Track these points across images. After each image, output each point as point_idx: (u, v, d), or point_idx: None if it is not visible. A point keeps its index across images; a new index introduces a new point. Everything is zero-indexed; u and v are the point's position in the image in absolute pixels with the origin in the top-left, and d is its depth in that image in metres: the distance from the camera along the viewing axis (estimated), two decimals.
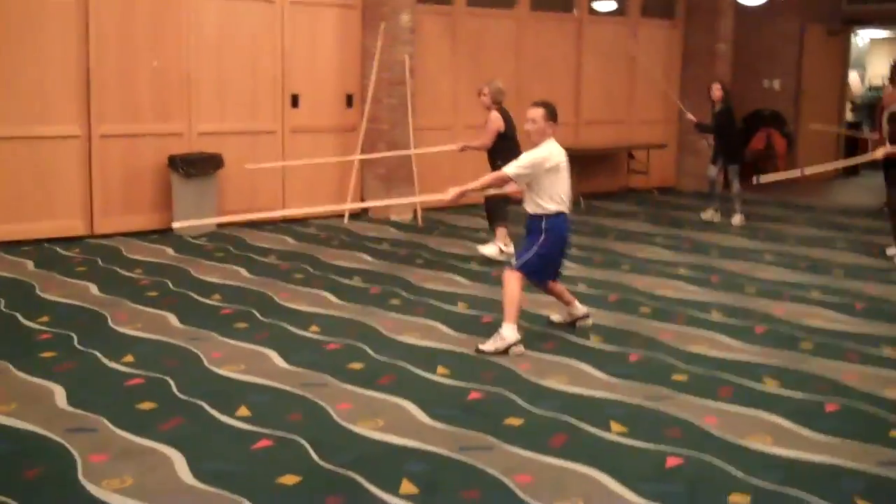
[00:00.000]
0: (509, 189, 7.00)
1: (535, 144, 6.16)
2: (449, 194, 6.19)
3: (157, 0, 9.83)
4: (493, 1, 12.53)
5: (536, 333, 6.47)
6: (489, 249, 8.83)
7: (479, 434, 4.67)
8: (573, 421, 4.87)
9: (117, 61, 9.60)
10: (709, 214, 11.66)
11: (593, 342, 6.31)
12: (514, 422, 4.85)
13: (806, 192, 14.82)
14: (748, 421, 4.91)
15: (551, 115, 6.15)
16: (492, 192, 8.53)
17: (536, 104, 6.21)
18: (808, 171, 9.59)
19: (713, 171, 11.68)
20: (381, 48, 11.08)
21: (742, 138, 11.56)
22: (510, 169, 6.10)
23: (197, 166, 9.70)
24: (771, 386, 5.46)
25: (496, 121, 8.62)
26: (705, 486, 4.13)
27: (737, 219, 11.38)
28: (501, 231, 8.87)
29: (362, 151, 11.23)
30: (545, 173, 6.06)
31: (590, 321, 6.60)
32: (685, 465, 4.35)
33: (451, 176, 11.91)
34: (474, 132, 10.99)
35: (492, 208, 8.93)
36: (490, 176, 6.48)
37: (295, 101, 10.87)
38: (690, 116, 11.74)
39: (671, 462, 4.37)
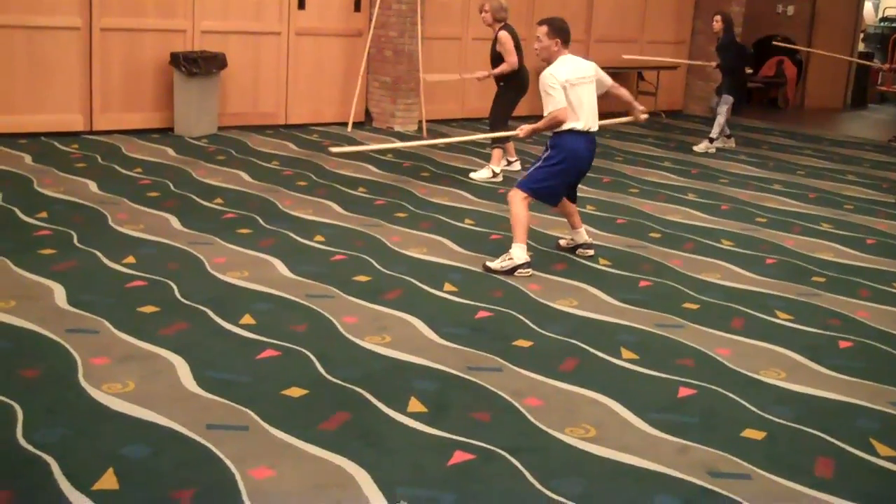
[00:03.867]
0: None
1: (545, 62, 5.94)
2: (521, 131, 6.24)
3: None
4: None
5: (545, 254, 6.36)
6: (481, 174, 8.65)
7: (488, 355, 4.58)
8: (583, 345, 4.78)
9: None
10: (719, 143, 11.42)
11: (602, 266, 6.20)
12: (524, 343, 4.76)
13: (814, 123, 14.63)
14: (761, 354, 4.83)
15: (556, 31, 5.87)
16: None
17: (542, 21, 5.97)
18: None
19: (715, 100, 11.46)
20: None
21: (743, 73, 11.24)
22: (553, 105, 5.81)
23: (200, 65, 9.45)
24: (783, 319, 5.38)
25: (508, 39, 8.33)
26: (719, 418, 4.05)
27: (702, 145, 11.15)
28: (497, 154, 8.67)
29: (368, 57, 10.97)
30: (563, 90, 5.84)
31: (591, 252, 6.40)
32: (698, 395, 4.27)
33: (458, 88, 11.74)
34: (482, 45, 10.71)
35: (493, 128, 8.66)
36: (548, 117, 5.96)
37: (301, 2, 10.56)
38: (711, 64, 11.48)
39: (683, 392, 4.30)
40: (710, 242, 6.94)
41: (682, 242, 6.90)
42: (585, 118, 5.92)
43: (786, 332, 5.17)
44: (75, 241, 5.94)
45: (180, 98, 9.63)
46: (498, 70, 8.42)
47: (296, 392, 4.05)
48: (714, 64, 11.45)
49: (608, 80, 6.23)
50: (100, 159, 8.34)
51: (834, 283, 6.15)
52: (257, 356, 4.40)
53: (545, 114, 5.88)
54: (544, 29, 5.90)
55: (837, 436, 3.94)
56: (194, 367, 4.22)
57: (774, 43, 14.53)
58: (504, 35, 8.32)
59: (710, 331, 5.11)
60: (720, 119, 11.10)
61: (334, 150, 6.87)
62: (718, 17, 11.00)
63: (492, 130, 8.72)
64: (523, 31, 10.29)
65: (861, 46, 18.31)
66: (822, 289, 6.00)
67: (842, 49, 16.43)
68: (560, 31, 5.90)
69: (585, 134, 5.95)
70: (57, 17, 9.04)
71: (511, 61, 8.29)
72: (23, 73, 8.96)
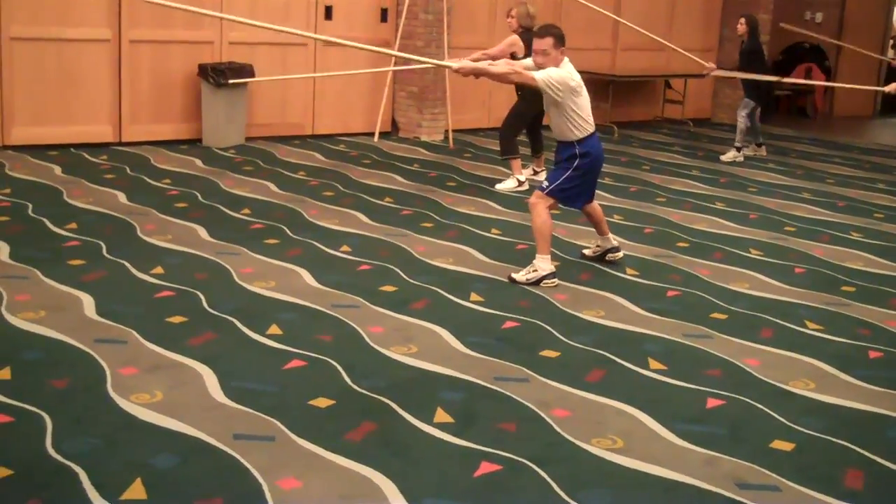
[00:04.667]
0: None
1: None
2: (458, 64, 5.99)
3: None
4: None
5: (571, 264, 6.35)
6: (506, 185, 8.64)
7: (515, 365, 4.57)
8: (610, 356, 4.76)
9: None
10: (749, 151, 11.37)
11: (629, 275, 6.18)
12: (551, 354, 4.75)
13: (843, 130, 14.52)
14: (790, 364, 4.79)
15: (560, 41, 5.78)
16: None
17: (542, 33, 5.81)
18: None
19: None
20: None
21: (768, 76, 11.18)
22: (540, 75, 5.71)
23: (228, 76, 9.50)
24: (813, 329, 5.33)
25: (513, 43, 8.33)
26: (748, 429, 4.02)
27: (729, 154, 11.09)
28: (516, 163, 8.66)
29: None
30: (571, 94, 5.77)
31: (620, 255, 6.41)
32: (726, 406, 4.24)
33: (485, 96, 11.76)
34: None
35: (503, 138, 8.69)
36: (511, 68, 5.90)
37: (328, 12, 10.61)
38: (709, 66, 11.35)
39: (712, 403, 4.27)
40: (739, 252, 6.90)
41: (710, 252, 6.86)
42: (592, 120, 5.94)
43: (815, 343, 5.12)
44: (104, 251, 5.98)
45: (208, 109, 9.69)
46: (475, 55, 8.43)
47: (322, 402, 4.05)
48: (709, 67, 11.27)
49: None
50: (128, 170, 8.41)
51: (864, 292, 6.09)
52: (284, 366, 4.41)
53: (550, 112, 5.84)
54: (549, 41, 5.74)
55: (868, 447, 3.90)
56: (221, 377, 4.24)
57: (782, 25, 14.05)
58: (513, 38, 8.35)
59: (739, 341, 5.07)
60: (740, 124, 11.04)
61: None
62: (743, 21, 10.94)
63: (502, 140, 8.72)
64: None
65: (890, 53, 18.15)
66: (852, 298, 5.95)
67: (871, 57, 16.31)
68: (563, 40, 5.82)
69: (597, 135, 5.97)
70: (87, 29, 9.13)
71: (492, 51, 8.40)
72: (53, 85, 9.05)
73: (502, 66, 5.92)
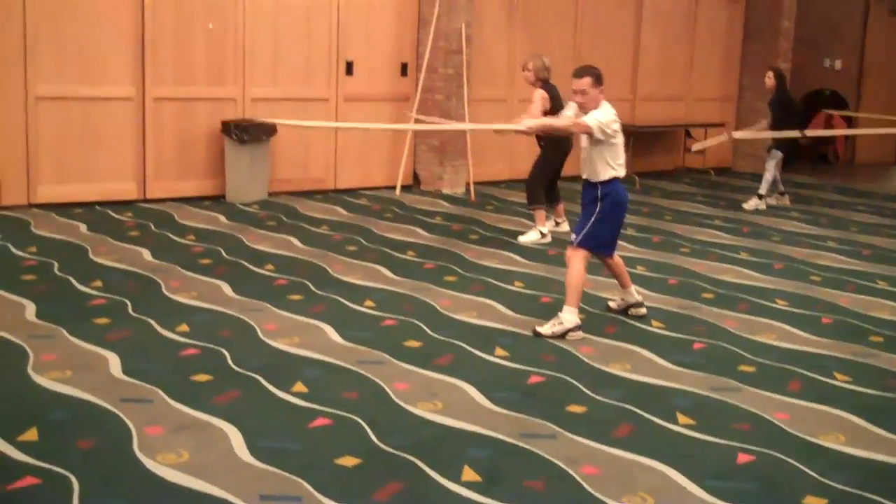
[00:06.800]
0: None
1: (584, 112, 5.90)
2: (523, 125, 6.15)
3: None
4: None
5: (597, 317, 6.32)
6: (529, 237, 8.64)
7: (542, 421, 4.53)
8: (638, 411, 4.72)
9: (173, 23, 9.50)
10: (772, 200, 11.34)
11: (655, 328, 6.14)
12: (577, 409, 4.71)
13: (864, 177, 14.48)
14: (820, 417, 4.74)
15: (598, 80, 5.82)
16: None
17: (580, 73, 5.84)
18: (737, 135, 11.22)
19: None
20: (438, 16, 10.88)
21: (796, 127, 11.19)
22: (591, 121, 5.75)
23: (250, 132, 9.60)
24: (842, 381, 5.27)
25: (541, 100, 8.35)
26: (779, 485, 3.96)
27: (751, 203, 11.07)
28: (540, 214, 8.64)
29: (416, 122, 11.09)
30: (612, 136, 5.84)
31: (643, 310, 6.35)
32: (757, 462, 4.19)
33: (506, 148, 11.82)
34: (528, 105, 10.80)
35: (529, 188, 8.69)
36: (570, 121, 6.03)
37: (349, 68, 10.72)
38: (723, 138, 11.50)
39: (742, 458, 4.22)
40: (764, 302, 6.85)
41: (736, 303, 6.81)
42: (624, 165, 5.98)
43: (845, 395, 5.06)
44: (129, 309, 6.00)
45: (231, 165, 9.78)
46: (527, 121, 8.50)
47: (349, 461, 4.03)
48: (726, 136, 11.42)
49: None
50: (153, 227, 8.47)
51: (892, 342, 6.03)
52: (309, 424, 4.39)
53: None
54: (588, 81, 5.80)
55: None
56: (247, 436, 4.22)
57: (826, 111, 14.57)
58: (539, 93, 8.36)
59: (767, 394, 5.02)
60: (768, 175, 11.07)
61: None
62: (770, 74, 11.03)
63: (528, 189, 8.71)
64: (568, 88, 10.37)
65: None
66: (880, 348, 5.89)
67: (892, 102, 16.31)
68: (601, 79, 5.85)
69: (621, 180, 5.98)
70: (111, 87, 9.25)
71: (533, 112, 8.36)
72: (77, 143, 9.15)
73: (564, 119, 5.99)
